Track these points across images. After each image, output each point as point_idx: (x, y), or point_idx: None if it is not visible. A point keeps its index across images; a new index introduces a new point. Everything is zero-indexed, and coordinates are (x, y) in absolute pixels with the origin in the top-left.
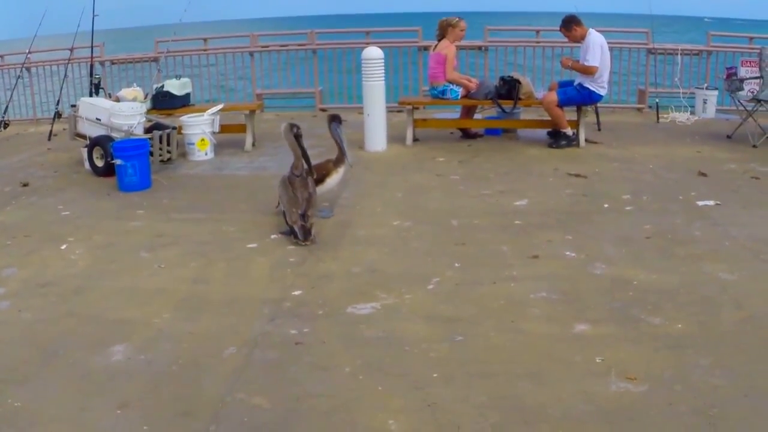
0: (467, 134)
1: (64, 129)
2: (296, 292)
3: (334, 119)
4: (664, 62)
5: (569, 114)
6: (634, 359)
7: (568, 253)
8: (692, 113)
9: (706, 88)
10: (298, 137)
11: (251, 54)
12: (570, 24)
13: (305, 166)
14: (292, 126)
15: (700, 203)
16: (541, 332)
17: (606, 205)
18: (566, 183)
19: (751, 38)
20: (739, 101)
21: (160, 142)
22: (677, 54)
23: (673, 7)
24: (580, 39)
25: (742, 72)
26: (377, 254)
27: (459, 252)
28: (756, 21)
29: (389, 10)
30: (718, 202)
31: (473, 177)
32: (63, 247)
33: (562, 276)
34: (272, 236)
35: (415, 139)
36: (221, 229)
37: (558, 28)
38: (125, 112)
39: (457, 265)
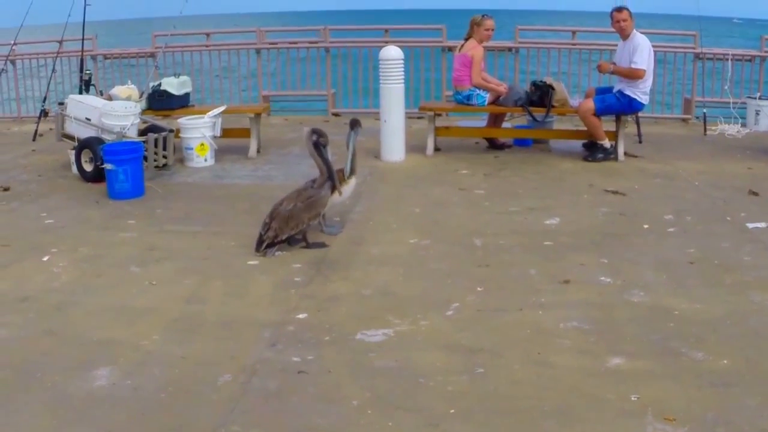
0: (494, 144)
1: (50, 129)
2: (300, 315)
3: (351, 124)
4: (713, 68)
5: (607, 124)
6: (673, 398)
7: (602, 278)
8: (743, 125)
9: (759, 98)
10: (318, 146)
11: (258, 51)
12: (626, 10)
13: (328, 179)
14: (313, 132)
15: (751, 225)
16: (570, 366)
17: (646, 226)
18: (602, 200)
19: None
20: None
21: (156, 146)
22: (727, 59)
23: (699, 8)
24: (624, 33)
25: None
26: (391, 275)
27: (482, 275)
28: None
29: (410, 6)
30: None
31: (500, 192)
32: (45, 258)
33: (595, 304)
34: (276, 253)
35: (437, 149)
36: (220, 243)
37: (607, 26)
38: (118, 112)
39: (479, 289)
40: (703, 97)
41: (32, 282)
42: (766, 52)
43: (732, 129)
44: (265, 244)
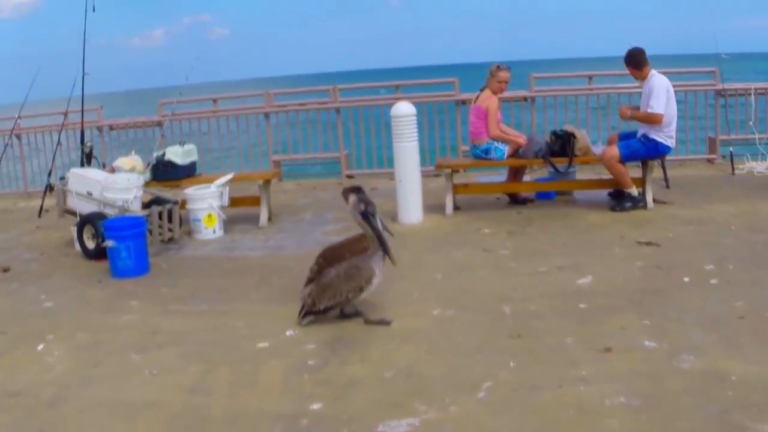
0: (516, 200)
1: (56, 204)
2: (315, 405)
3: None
4: (736, 105)
5: (633, 171)
6: None
7: (647, 342)
8: None
9: None
10: (366, 215)
11: (266, 115)
12: (640, 62)
13: (379, 249)
14: (359, 201)
15: None
16: None
17: (686, 279)
18: (636, 253)
19: None
20: None
21: (160, 218)
22: (750, 94)
23: (685, 46)
24: (641, 79)
25: None
26: (414, 353)
27: (514, 347)
28: None
29: (420, 63)
30: None
31: (526, 251)
32: (40, 347)
33: (642, 373)
34: (288, 332)
35: (456, 208)
36: (227, 324)
37: (624, 69)
38: (120, 185)
39: (512, 364)
40: (728, 135)
41: (25, 373)
42: None
43: (761, 166)
44: (303, 311)
